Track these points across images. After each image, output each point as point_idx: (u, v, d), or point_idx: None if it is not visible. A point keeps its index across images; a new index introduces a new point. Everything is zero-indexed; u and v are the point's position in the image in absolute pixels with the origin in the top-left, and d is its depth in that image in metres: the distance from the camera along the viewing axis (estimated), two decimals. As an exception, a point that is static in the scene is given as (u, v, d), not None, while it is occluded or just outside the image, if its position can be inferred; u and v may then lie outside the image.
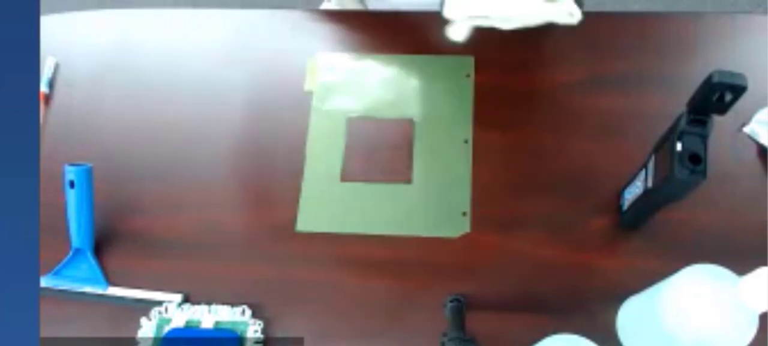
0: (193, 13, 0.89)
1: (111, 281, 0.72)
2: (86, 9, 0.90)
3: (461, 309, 0.66)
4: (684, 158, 0.58)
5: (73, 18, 0.90)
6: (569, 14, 0.71)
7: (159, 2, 0.84)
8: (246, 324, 0.69)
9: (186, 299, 0.71)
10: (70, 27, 0.89)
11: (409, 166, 0.77)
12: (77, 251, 0.72)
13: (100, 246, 0.74)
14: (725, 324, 0.52)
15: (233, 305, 0.70)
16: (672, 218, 0.70)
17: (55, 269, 0.72)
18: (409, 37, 0.85)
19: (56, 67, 0.85)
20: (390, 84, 0.82)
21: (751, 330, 0.52)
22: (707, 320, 0.53)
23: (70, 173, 0.70)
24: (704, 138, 0.58)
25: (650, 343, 0.61)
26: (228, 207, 0.76)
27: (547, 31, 0.86)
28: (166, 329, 0.69)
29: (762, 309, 0.50)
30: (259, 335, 0.68)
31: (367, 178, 0.77)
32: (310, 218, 0.75)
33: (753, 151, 0.76)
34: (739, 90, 0.54)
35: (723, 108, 0.57)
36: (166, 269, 0.73)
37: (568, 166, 0.76)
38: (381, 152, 0.78)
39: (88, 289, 0.72)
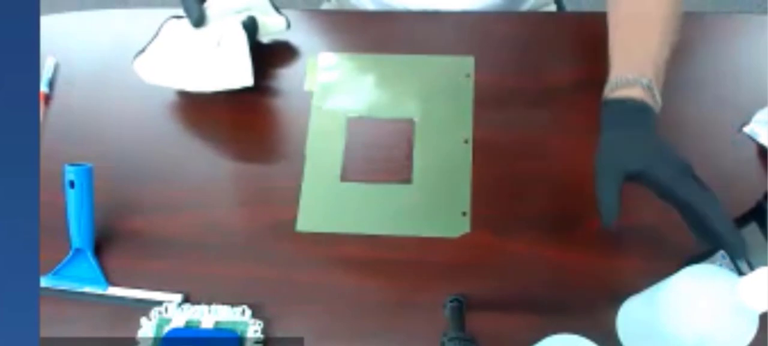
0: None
1: (111, 281, 0.72)
2: (86, 9, 0.90)
3: (461, 309, 0.66)
4: None
5: (73, 18, 0.90)
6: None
7: (159, 2, 0.84)
8: (246, 324, 0.69)
9: (186, 299, 0.71)
10: (70, 27, 0.89)
11: (409, 167, 0.77)
12: (77, 251, 0.72)
13: (100, 246, 0.74)
14: (725, 324, 0.52)
15: (233, 305, 0.70)
16: (672, 218, 0.70)
17: (55, 269, 0.72)
18: (409, 37, 0.85)
19: (56, 67, 0.85)
20: (390, 84, 0.82)
21: (751, 330, 0.52)
22: (707, 320, 0.53)
23: (70, 172, 0.70)
24: None
25: (650, 343, 0.61)
26: (228, 207, 0.76)
27: (547, 31, 0.87)
28: (166, 329, 0.69)
29: (762, 309, 0.50)
30: (259, 335, 0.68)
31: (367, 178, 0.77)
32: (310, 218, 0.75)
33: (753, 151, 0.75)
34: None
35: None
36: (166, 269, 0.73)
37: (568, 166, 0.76)
38: (381, 152, 0.78)
39: (88, 289, 0.72)
